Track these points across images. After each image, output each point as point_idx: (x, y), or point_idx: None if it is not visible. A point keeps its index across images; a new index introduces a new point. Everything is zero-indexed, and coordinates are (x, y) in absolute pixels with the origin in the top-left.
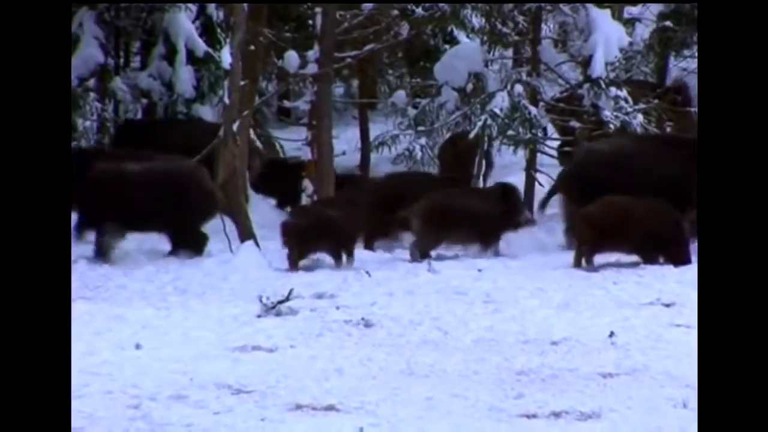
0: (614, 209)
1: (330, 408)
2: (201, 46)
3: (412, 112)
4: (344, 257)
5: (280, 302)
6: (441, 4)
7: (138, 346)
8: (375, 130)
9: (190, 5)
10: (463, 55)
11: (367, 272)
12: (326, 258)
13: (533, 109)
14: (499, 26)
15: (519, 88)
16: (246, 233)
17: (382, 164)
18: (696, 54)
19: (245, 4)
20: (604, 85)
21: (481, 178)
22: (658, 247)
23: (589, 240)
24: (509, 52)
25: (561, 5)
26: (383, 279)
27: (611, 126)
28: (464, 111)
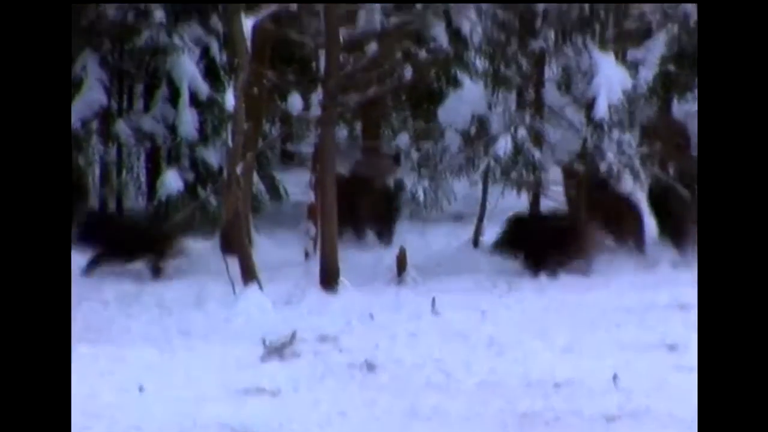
0: None
1: None
2: (204, 89)
3: (415, 154)
4: None
5: (283, 345)
6: (444, 47)
7: (141, 388)
8: None
9: (193, 48)
10: (467, 98)
11: (370, 315)
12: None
13: (537, 152)
14: (503, 69)
15: (522, 130)
16: (249, 276)
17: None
18: None
19: (249, 48)
20: (606, 128)
21: None
22: None
23: None
24: (513, 95)
25: (564, 48)
26: (386, 321)
27: (614, 169)
28: (467, 154)
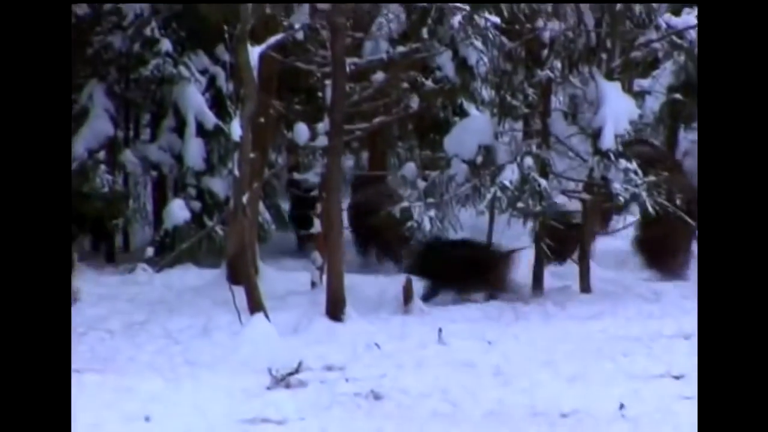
0: None
1: None
2: (211, 119)
3: (421, 184)
4: None
5: (290, 374)
6: (450, 77)
7: (147, 419)
8: None
9: (200, 78)
10: (473, 128)
11: (377, 344)
12: (336, 328)
13: (543, 182)
14: (509, 99)
15: (529, 160)
16: (255, 305)
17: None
18: None
19: (255, 78)
20: (613, 158)
21: None
22: None
23: None
24: (519, 125)
25: (571, 78)
26: (393, 351)
27: (621, 198)
28: (474, 183)
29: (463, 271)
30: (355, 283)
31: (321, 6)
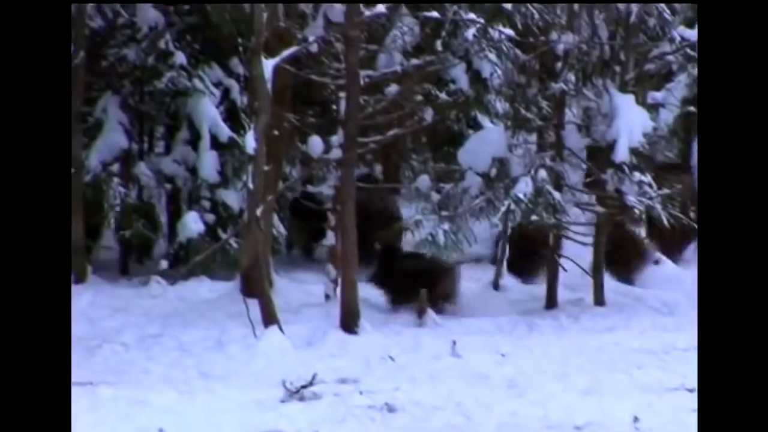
0: None
1: None
2: (225, 131)
3: (435, 196)
4: None
5: (304, 387)
6: (464, 89)
7: (161, 431)
8: None
9: (214, 90)
10: (487, 140)
11: (391, 357)
12: (347, 340)
13: (557, 194)
14: (523, 111)
15: (543, 173)
16: (269, 318)
17: (405, 248)
18: None
19: (269, 90)
20: (627, 170)
21: None
22: None
23: None
24: (533, 137)
25: (584, 90)
26: (406, 363)
27: (636, 211)
28: (488, 196)
29: (414, 283)
30: (369, 294)
31: (335, 18)
